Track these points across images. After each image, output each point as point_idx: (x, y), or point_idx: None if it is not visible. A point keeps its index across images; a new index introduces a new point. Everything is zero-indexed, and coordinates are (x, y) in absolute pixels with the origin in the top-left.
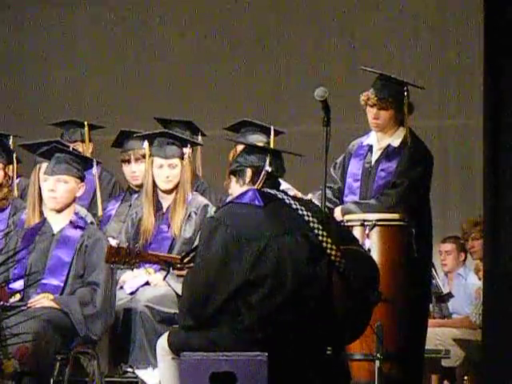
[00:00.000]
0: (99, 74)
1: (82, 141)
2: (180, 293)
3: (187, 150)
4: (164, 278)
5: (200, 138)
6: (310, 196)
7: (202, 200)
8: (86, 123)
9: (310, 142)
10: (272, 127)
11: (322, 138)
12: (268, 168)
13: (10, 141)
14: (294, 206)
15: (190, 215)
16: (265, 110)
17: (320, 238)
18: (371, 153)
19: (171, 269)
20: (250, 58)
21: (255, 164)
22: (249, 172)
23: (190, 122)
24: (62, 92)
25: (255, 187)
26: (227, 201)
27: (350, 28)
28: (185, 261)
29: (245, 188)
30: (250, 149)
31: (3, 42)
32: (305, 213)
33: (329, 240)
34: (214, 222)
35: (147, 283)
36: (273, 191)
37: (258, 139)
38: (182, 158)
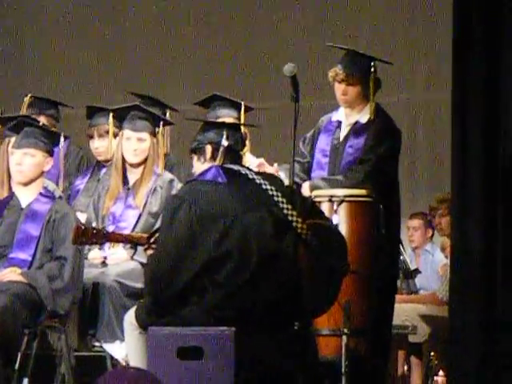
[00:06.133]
0: (71, 47)
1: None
2: None
3: (160, 128)
4: (131, 257)
5: (168, 114)
6: (275, 166)
7: (168, 175)
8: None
9: (281, 117)
10: (242, 102)
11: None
12: (225, 142)
13: None
14: (258, 181)
15: (155, 189)
16: (236, 85)
17: (285, 211)
18: (340, 129)
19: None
20: (221, 33)
21: (214, 140)
22: (209, 149)
23: (158, 99)
24: (36, 66)
25: (216, 163)
26: (190, 179)
27: (319, 4)
28: (151, 240)
29: (206, 165)
30: (208, 125)
31: None
32: (268, 187)
33: (294, 213)
34: (177, 201)
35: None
36: (236, 167)
37: (228, 114)
38: (152, 133)
